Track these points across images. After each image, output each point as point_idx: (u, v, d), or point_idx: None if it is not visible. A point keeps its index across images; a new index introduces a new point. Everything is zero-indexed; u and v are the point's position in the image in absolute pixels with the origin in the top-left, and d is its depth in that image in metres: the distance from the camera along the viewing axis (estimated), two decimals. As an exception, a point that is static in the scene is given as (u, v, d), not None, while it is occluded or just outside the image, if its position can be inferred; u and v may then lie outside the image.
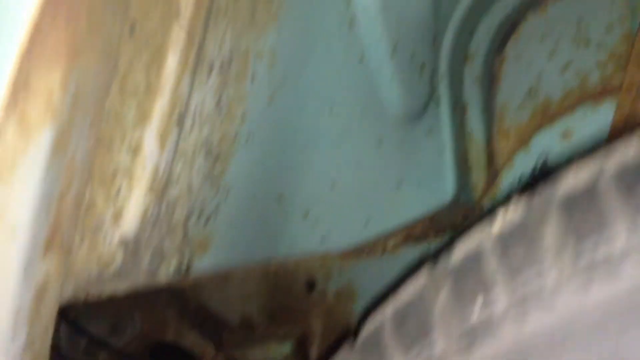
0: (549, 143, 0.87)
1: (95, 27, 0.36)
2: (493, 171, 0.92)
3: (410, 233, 0.91)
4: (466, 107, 0.90)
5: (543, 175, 0.87)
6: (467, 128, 0.91)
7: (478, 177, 0.92)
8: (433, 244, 0.95)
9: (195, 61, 0.50)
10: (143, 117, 0.48)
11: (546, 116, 0.90)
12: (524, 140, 0.90)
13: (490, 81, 0.93)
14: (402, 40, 0.69)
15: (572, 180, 0.28)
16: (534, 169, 0.88)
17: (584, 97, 0.87)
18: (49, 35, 0.31)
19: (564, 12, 0.88)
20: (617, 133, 0.77)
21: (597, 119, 0.83)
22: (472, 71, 0.90)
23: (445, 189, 0.84)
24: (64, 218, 0.40)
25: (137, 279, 0.55)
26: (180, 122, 0.51)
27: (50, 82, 0.32)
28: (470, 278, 0.30)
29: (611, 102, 0.83)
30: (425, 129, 0.80)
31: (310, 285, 1.10)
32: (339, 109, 0.70)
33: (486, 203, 0.92)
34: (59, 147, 0.35)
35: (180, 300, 1.07)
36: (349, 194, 0.75)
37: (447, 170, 0.83)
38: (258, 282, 1.11)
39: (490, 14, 0.88)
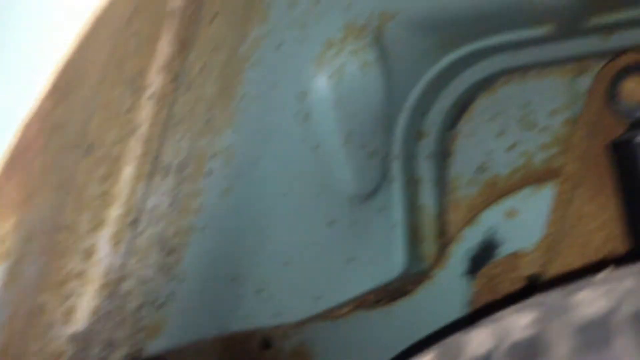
0: (495, 220, 0.91)
1: (50, 165, 0.38)
2: (444, 242, 0.96)
3: (363, 302, 0.95)
4: (419, 181, 0.94)
5: (489, 250, 0.91)
6: (420, 201, 0.94)
7: (429, 247, 0.95)
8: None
9: (152, 168, 0.52)
10: (97, 225, 0.50)
11: (494, 192, 0.95)
12: (473, 215, 0.94)
13: (443, 156, 0.97)
14: (355, 131, 0.73)
15: (474, 347, 0.31)
16: (481, 244, 0.92)
17: (529, 177, 0.92)
18: (3, 189, 0.33)
19: (511, 95, 0.94)
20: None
21: (540, 200, 0.88)
22: (426, 148, 0.94)
23: (395, 262, 0.87)
24: (14, 335, 0.42)
25: (87, 368, 0.57)
26: (135, 224, 0.53)
27: (2, 231, 0.34)
28: None
29: (553, 185, 0.88)
30: (377, 208, 0.84)
31: (266, 344, 1.12)
32: (294, 194, 0.73)
33: (437, 272, 0.96)
34: (10, 280, 0.37)
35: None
36: (302, 272, 0.78)
37: (398, 245, 0.87)
38: (214, 337, 1.12)
39: (443, 96, 0.92)
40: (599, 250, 0.78)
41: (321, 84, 0.67)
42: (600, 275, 0.33)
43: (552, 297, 0.32)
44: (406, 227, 0.88)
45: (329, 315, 0.93)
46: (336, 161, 0.74)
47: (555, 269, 0.82)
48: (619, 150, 0.71)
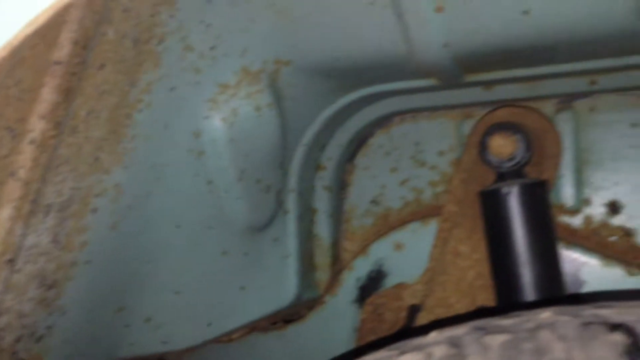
0: (384, 252, 0.97)
1: None
2: (337, 269, 1.01)
3: (255, 327, 0.98)
4: (315, 212, 0.99)
5: (377, 280, 0.97)
6: (315, 231, 0.99)
7: (323, 275, 1.00)
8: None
9: (31, 208, 0.53)
10: (-29, 264, 0.50)
11: (386, 224, 1.01)
12: (364, 246, 0.99)
13: (340, 188, 1.02)
14: (250, 168, 0.76)
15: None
16: (370, 274, 0.97)
17: (418, 212, 0.98)
18: None
19: (405, 134, 1.00)
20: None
21: (425, 235, 0.94)
22: (323, 180, 0.99)
23: (288, 290, 0.91)
24: None
25: (-41, 402, 0.56)
26: (12, 262, 0.54)
27: None
28: None
29: (438, 222, 0.94)
30: (272, 238, 0.87)
31: (162, 364, 1.13)
32: (186, 226, 0.75)
33: (328, 299, 1.00)
34: None
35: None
36: (193, 300, 0.80)
37: (291, 273, 0.91)
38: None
39: (341, 132, 0.97)
40: (471, 286, 0.85)
41: (215, 124, 0.70)
42: (423, 339, 0.38)
43: (380, 357, 0.37)
44: (300, 257, 0.92)
45: (222, 339, 0.95)
46: (230, 195, 0.77)
47: (433, 301, 0.88)
48: (486, 199, 0.78)
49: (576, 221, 0.90)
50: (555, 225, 0.79)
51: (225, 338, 0.95)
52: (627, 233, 0.88)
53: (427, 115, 0.99)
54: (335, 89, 0.84)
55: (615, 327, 0.31)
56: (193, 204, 0.75)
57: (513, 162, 0.74)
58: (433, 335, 0.38)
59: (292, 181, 0.89)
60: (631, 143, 0.88)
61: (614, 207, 0.88)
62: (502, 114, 0.84)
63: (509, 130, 0.74)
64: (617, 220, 0.88)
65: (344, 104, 0.88)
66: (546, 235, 0.74)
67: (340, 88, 0.85)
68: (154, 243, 0.73)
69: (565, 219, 0.90)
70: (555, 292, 0.74)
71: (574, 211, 0.89)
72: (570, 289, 0.86)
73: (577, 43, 0.69)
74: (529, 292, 0.73)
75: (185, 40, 0.62)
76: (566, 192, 0.90)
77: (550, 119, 0.87)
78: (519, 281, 0.73)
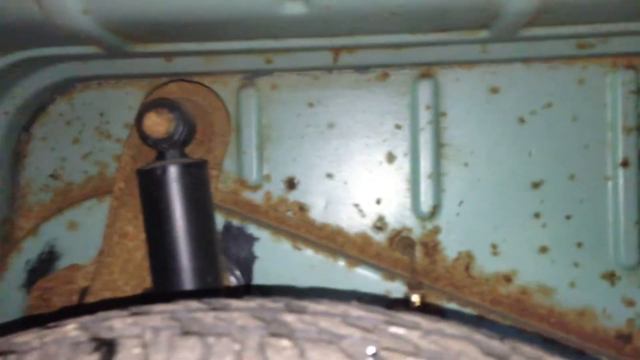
0: (56, 232, 0.89)
1: None
2: (6, 251, 0.90)
3: None
4: (-25, 187, 0.86)
5: (48, 263, 0.89)
6: (-24, 209, 0.87)
7: (-11, 257, 0.89)
8: None
9: None
10: None
11: (67, 200, 0.92)
12: (35, 227, 0.90)
13: (12, 160, 0.91)
14: None
15: None
16: (40, 256, 0.89)
17: (101, 188, 0.91)
18: None
19: (89, 103, 0.92)
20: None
21: (100, 213, 0.88)
22: (-14, 150, 0.87)
23: None
24: None
25: None
26: None
27: None
28: None
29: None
30: None
31: None
32: None
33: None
34: None
35: None
36: None
37: None
38: None
39: (8, 97, 0.86)
40: (139, 268, 0.82)
41: None
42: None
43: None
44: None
45: None
46: None
47: (100, 284, 0.83)
48: (143, 178, 0.74)
49: (257, 197, 0.92)
50: (212, 206, 0.78)
51: None
52: (301, 208, 0.92)
53: (113, 84, 0.92)
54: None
55: (100, 345, 0.29)
56: None
57: (169, 141, 0.71)
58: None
59: None
60: (307, 122, 0.91)
61: (291, 184, 0.92)
62: (172, 89, 0.81)
63: (165, 107, 0.71)
64: (293, 196, 0.92)
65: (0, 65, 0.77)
66: (203, 217, 0.74)
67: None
68: None
69: (248, 194, 0.92)
70: (210, 275, 0.74)
71: (256, 187, 0.91)
72: (244, 264, 0.88)
73: (233, 22, 0.68)
74: (185, 275, 0.72)
75: None
76: (249, 169, 0.91)
77: (221, 96, 0.87)
78: (173, 264, 0.71)
